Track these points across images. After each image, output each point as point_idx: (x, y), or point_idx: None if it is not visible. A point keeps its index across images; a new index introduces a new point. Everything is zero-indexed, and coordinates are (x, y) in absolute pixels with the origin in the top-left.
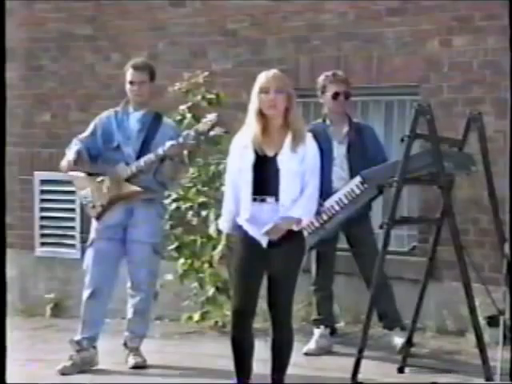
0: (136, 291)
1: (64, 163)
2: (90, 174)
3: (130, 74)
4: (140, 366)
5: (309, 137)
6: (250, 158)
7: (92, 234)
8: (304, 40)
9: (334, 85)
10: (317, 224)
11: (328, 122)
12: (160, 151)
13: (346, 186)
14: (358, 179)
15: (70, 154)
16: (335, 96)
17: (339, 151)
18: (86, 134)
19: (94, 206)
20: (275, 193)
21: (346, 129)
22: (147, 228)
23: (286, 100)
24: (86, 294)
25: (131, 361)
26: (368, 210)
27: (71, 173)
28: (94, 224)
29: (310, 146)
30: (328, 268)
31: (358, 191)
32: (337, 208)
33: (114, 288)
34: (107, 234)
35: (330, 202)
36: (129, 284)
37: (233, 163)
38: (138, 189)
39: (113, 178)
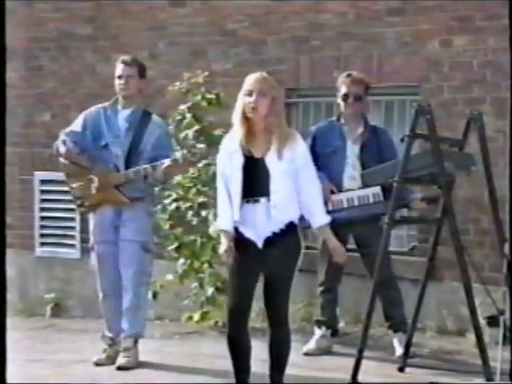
0: (125, 290)
1: (63, 150)
2: (80, 170)
3: (118, 68)
4: (126, 368)
5: (296, 137)
6: (239, 160)
7: (91, 238)
8: (304, 40)
9: (345, 86)
10: None
11: (342, 120)
12: (150, 169)
13: (364, 190)
14: (378, 190)
15: (71, 146)
16: (344, 97)
17: (352, 151)
18: (76, 128)
19: (81, 204)
20: (267, 193)
21: (360, 130)
22: (135, 226)
23: (270, 103)
24: (100, 297)
25: (118, 361)
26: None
27: (65, 162)
28: (90, 227)
29: (299, 146)
30: (337, 270)
31: (371, 200)
32: (345, 205)
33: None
34: (102, 236)
35: (340, 196)
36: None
37: (223, 165)
38: (127, 200)
39: (101, 181)
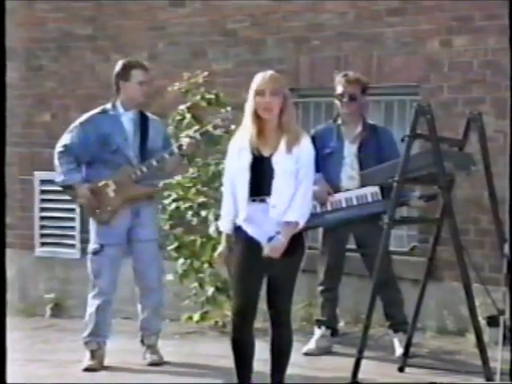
0: (149, 290)
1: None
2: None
3: (140, 74)
4: (157, 364)
5: (304, 137)
6: (247, 158)
7: (96, 240)
8: (304, 40)
9: (340, 86)
10: (318, 210)
11: (339, 121)
12: (175, 149)
13: (362, 189)
14: (376, 189)
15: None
16: (339, 97)
17: (350, 150)
18: (74, 140)
19: (101, 212)
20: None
21: (358, 129)
22: (152, 226)
23: (282, 101)
24: (97, 301)
25: (148, 358)
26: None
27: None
28: (97, 229)
29: (305, 146)
30: (337, 270)
31: (370, 199)
32: (343, 204)
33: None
34: (116, 239)
35: (339, 196)
36: (139, 284)
37: (230, 164)
38: (152, 189)
39: (119, 181)
